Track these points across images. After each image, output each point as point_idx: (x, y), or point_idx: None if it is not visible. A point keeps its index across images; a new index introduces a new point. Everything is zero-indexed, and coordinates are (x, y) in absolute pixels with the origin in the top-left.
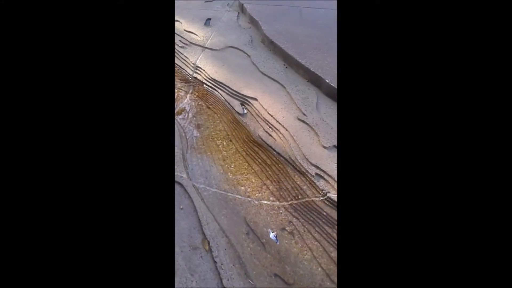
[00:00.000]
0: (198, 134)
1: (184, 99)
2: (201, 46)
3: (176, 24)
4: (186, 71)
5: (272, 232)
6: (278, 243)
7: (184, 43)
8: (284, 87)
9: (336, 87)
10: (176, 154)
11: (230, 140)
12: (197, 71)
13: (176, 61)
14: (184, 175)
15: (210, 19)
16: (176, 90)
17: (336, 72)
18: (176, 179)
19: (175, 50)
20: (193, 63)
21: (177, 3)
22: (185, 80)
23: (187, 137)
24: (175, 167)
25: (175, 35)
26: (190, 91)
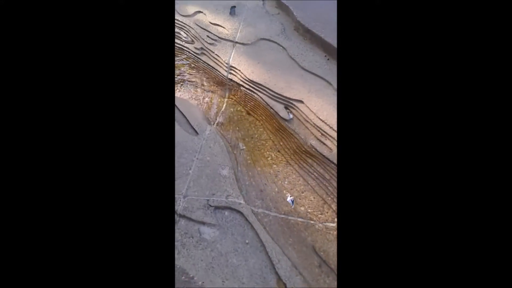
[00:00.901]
0: (244, 147)
1: (221, 105)
2: (231, 41)
3: (200, 16)
4: (219, 72)
5: (290, 197)
6: (293, 207)
7: (212, 39)
8: (330, 84)
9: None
10: (228, 174)
11: (279, 151)
12: (232, 71)
13: (207, 60)
14: (241, 201)
15: (234, 7)
16: (210, 95)
17: None
18: (234, 206)
19: (205, 48)
20: (226, 63)
21: None
22: (219, 83)
23: (235, 152)
24: (231, 191)
25: (202, 29)
26: (227, 95)
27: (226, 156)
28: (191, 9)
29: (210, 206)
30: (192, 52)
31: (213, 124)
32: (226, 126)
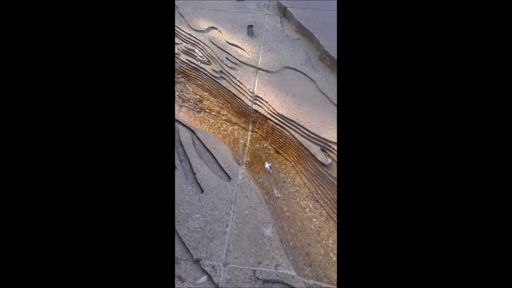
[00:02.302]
0: (280, 195)
1: (245, 140)
2: (253, 67)
3: (215, 32)
4: (243, 101)
5: (268, 164)
6: (271, 171)
7: (233, 62)
8: None
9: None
10: (272, 235)
11: (317, 201)
12: (257, 101)
13: (228, 86)
14: (293, 272)
15: (251, 26)
16: (232, 126)
17: None
18: (287, 281)
19: (224, 72)
20: (250, 92)
21: (206, 3)
22: (241, 113)
23: (271, 202)
24: (279, 258)
25: (219, 49)
26: (250, 128)
27: (266, 209)
28: (203, 24)
29: (258, 279)
30: (210, 75)
31: (242, 164)
32: (255, 167)
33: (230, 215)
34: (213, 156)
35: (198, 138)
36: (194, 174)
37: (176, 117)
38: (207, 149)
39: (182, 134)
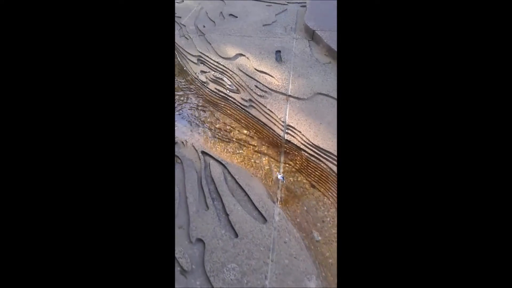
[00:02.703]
0: (320, 238)
1: (276, 172)
2: (283, 94)
3: (242, 60)
4: (274, 131)
5: (280, 175)
6: (284, 181)
7: (262, 90)
8: None
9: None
10: None
11: None
12: (289, 131)
13: (258, 115)
14: None
15: (279, 51)
16: (263, 157)
17: None
18: None
19: (254, 100)
20: (282, 121)
21: (233, 29)
22: (272, 143)
23: (312, 247)
24: None
25: (248, 76)
26: (282, 159)
27: (307, 257)
28: (231, 51)
29: None
30: (239, 104)
31: (277, 201)
32: (290, 204)
33: (269, 264)
34: (246, 194)
35: (230, 173)
36: (227, 215)
37: (205, 150)
38: (240, 186)
39: (213, 169)
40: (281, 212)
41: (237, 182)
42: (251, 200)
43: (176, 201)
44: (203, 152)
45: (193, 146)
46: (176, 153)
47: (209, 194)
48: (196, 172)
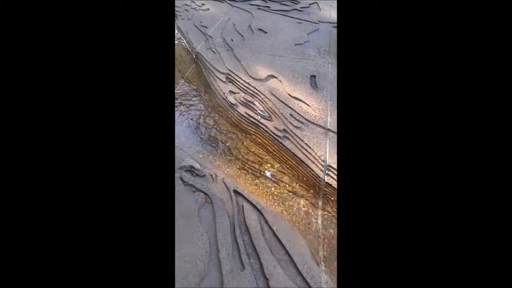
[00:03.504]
0: None
1: (317, 222)
2: (322, 127)
3: (275, 82)
4: (312, 170)
5: (268, 172)
6: (273, 179)
7: (298, 121)
8: None
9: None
10: None
11: None
12: (330, 172)
13: (293, 148)
14: None
15: (314, 76)
16: (299, 200)
17: None
18: None
19: (289, 131)
20: (322, 160)
21: (263, 46)
22: (311, 185)
23: None
24: None
25: (281, 102)
26: (320, 204)
27: None
28: (262, 72)
29: None
30: (272, 133)
31: (321, 262)
32: (336, 266)
33: None
34: (287, 252)
35: (266, 222)
36: (267, 279)
37: (238, 189)
38: (279, 240)
39: (247, 215)
40: (328, 280)
41: (275, 235)
42: (293, 262)
43: (206, 253)
44: (236, 192)
45: (224, 183)
46: (206, 190)
47: (244, 248)
48: (228, 216)
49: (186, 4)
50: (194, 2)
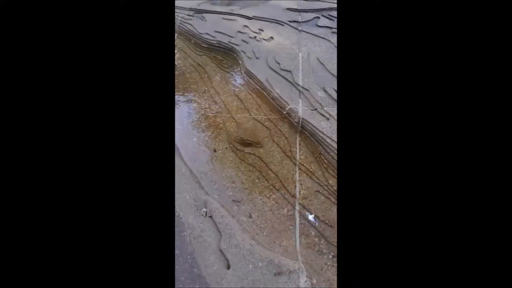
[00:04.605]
0: None
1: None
2: None
3: None
4: None
5: (311, 215)
6: (317, 224)
7: None
8: None
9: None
10: None
11: None
12: None
13: None
14: None
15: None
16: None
17: None
18: None
19: None
20: None
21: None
22: None
23: None
24: None
25: None
26: None
27: None
28: None
29: None
30: None
31: None
32: None
33: None
34: None
35: None
36: None
37: None
38: None
39: None
40: None
41: None
42: None
43: None
44: None
45: None
46: None
47: None
48: None
49: (239, 32)
50: (248, 28)
